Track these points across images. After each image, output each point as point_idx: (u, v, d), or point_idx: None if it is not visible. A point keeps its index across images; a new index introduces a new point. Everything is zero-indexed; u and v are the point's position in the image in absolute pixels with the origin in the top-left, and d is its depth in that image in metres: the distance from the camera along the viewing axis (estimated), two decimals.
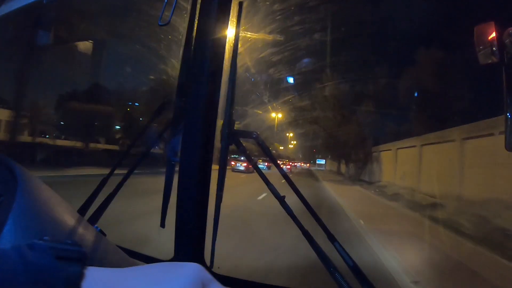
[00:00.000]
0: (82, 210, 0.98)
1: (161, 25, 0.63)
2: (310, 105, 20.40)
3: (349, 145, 20.49)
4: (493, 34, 1.18)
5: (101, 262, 0.64)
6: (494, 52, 1.17)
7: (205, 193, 0.85)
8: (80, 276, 0.34)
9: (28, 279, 0.31)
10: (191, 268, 0.40)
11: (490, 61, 1.19)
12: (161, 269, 0.40)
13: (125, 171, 0.96)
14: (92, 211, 0.98)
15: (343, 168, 26.87)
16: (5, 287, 0.30)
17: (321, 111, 20.53)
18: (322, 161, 46.54)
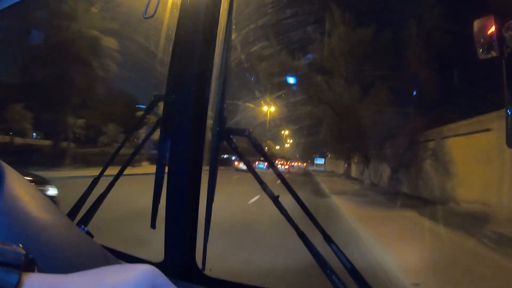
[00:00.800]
0: (72, 212, 0.95)
1: (146, 18, 0.60)
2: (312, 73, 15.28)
3: (374, 129, 11.55)
4: (493, 28, 1.15)
5: (86, 265, 0.61)
6: (494, 46, 1.14)
7: (195, 193, 0.81)
8: (17, 285, 0.30)
9: None
10: (142, 271, 0.37)
11: (489, 55, 1.16)
12: (111, 272, 0.37)
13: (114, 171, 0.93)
14: (82, 212, 0.95)
15: (354, 169, 18.47)
16: None
17: (328, 76, 14.39)
18: (321, 161, 44.86)
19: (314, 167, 45.44)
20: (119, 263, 0.69)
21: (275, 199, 0.79)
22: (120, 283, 0.35)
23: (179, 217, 0.80)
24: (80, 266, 0.47)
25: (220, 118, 0.81)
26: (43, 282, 0.32)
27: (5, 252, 0.32)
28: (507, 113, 1.02)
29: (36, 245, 0.55)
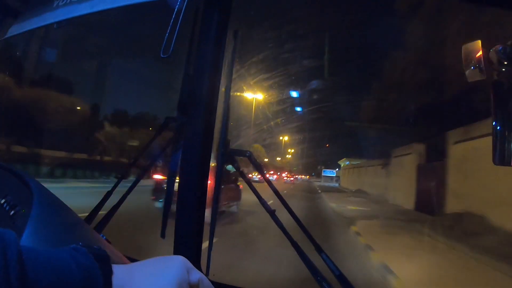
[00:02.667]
0: (88, 220, 1.06)
1: (163, 57, 0.70)
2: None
3: None
4: (480, 52, 1.24)
5: None
6: (482, 69, 1.23)
7: (202, 206, 0.91)
8: (111, 272, 0.44)
9: (80, 276, 0.40)
10: (177, 259, 0.51)
11: (478, 78, 1.24)
12: (157, 261, 0.50)
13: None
14: (97, 220, 1.05)
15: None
16: (66, 281, 0.39)
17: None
18: (331, 173, 40.65)
19: (321, 181, 39.84)
20: None
21: (272, 213, 0.89)
22: (168, 266, 0.49)
23: (187, 227, 0.90)
24: None
25: (224, 141, 0.91)
26: (121, 270, 0.45)
27: (100, 251, 0.45)
28: (493, 134, 1.10)
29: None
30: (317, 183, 38.69)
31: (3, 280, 0.35)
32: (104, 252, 0.46)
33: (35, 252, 0.40)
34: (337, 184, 36.59)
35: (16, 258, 0.37)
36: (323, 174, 41.54)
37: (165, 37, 0.71)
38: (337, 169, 37.58)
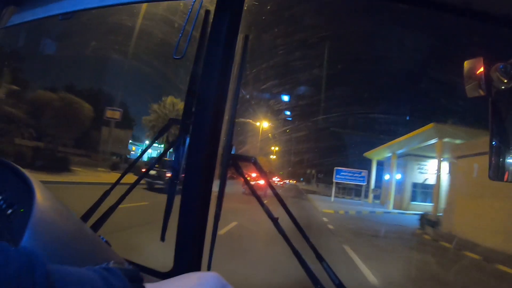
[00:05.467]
0: (84, 218, 1.04)
1: (176, 58, 0.69)
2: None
3: None
4: (481, 69, 1.26)
5: None
6: (482, 86, 1.25)
7: (205, 211, 0.91)
8: None
9: None
10: (211, 276, 0.49)
11: (477, 94, 1.27)
12: (191, 278, 0.49)
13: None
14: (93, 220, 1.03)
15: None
16: None
17: None
18: (358, 178, 19.17)
19: (331, 197, 20.94)
20: None
21: (275, 221, 0.88)
22: (204, 284, 0.47)
23: (189, 231, 0.89)
24: None
25: (229, 147, 0.91)
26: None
27: (133, 272, 0.45)
28: (490, 147, 1.13)
29: (63, 253, 0.63)
30: (312, 196, 23.19)
31: None
32: (136, 273, 0.45)
33: (63, 272, 0.39)
34: (377, 209, 17.36)
35: (45, 279, 0.36)
36: (335, 177, 20.07)
37: (178, 38, 0.70)
38: (364, 171, 19.85)
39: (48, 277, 0.36)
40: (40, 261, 0.37)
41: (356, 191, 24.61)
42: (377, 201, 22.58)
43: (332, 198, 21.45)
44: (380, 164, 23.16)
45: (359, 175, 20.54)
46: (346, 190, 25.86)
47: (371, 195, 22.79)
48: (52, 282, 0.36)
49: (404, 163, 19.52)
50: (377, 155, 22.71)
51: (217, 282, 0.48)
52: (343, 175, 20.44)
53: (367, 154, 23.40)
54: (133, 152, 25.59)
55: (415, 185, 19.25)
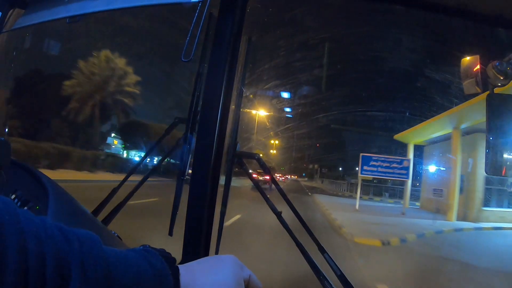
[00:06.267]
0: (93, 214, 1.07)
1: (184, 61, 0.72)
2: None
3: None
4: (478, 67, 1.29)
5: None
6: (479, 83, 1.28)
7: (212, 206, 0.94)
8: (178, 272, 0.48)
9: (153, 275, 0.44)
10: (231, 258, 0.55)
11: (474, 91, 1.30)
12: (213, 259, 0.54)
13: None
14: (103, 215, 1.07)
15: None
16: (142, 280, 0.43)
17: None
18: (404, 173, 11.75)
19: (356, 202, 13.16)
20: None
21: (278, 215, 0.92)
22: (227, 265, 0.53)
23: (197, 226, 0.93)
24: None
25: (234, 144, 0.94)
26: (185, 269, 0.49)
27: (165, 252, 0.50)
28: (487, 143, 1.16)
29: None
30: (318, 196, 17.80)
31: (94, 279, 0.38)
32: (169, 254, 0.49)
33: (115, 252, 0.43)
34: (438, 223, 10.38)
35: (102, 257, 0.40)
36: (361, 171, 12.87)
37: (186, 41, 0.73)
38: (407, 159, 13.14)
39: (104, 255, 0.41)
40: (97, 240, 0.42)
41: (386, 190, 18.21)
42: (417, 204, 16.01)
43: (357, 204, 13.19)
44: (419, 150, 16.04)
45: (399, 166, 12.42)
46: (371, 188, 18.65)
47: (407, 196, 15.09)
48: (108, 260, 0.41)
49: (472, 144, 11.75)
50: (419, 136, 15.06)
51: (236, 261, 0.54)
52: (374, 167, 12.62)
53: (400, 136, 15.45)
54: (114, 146, 23.46)
55: (489, 181, 12.04)
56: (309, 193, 19.86)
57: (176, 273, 0.47)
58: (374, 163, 12.82)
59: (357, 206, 13.18)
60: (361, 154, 13.03)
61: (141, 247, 0.49)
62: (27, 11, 1.33)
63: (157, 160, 1.10)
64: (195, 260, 0.53)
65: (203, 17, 0.75)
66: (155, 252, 0.47)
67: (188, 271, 0.49)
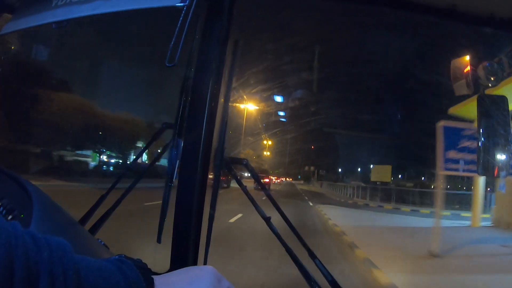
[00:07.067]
0: (81, 222, 1.06)
1: (169, 66, 0.72)
2: None
3: None
4: (468, 68, 1.29)
5: None
6: (469, 84, 1.28)
7: (200, 212, 0.93)
8: (153, 283, 0.47)
9: (127, 286, 0.43)
10: (209, 269, 0.54)
11: (465, 92, 1.30)
12: (190, 271, 0.54)
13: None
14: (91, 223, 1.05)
15: None
16: None
17: None
18: None
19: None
20: None
21: (267, 220, 0.91)
22: (203, 276, 0.52)
23: (185, 233, 0.92)
24: None
25: (221, 149, 0.93)
26: (160, 281, 0.48)
27: (139, 262, 0.50)
28: (478, 145, 1.16)
29: None
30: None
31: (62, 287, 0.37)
32: (145, 265, 0.50)
33: (87, 261, 0.42)
34: None
35: (72, 266, 0.39)
36: (445, 162, 4.93)
37: (170, 46, 0.72)
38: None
39: (75, 264, 0.40)
40: (68, 249, 0.41)
41: (401, 193, 12.71)
42: (487, 218, 9.83)
43: (437, 244, 5.46)
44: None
45: None
46: (378, 192, 13.87)
47: (478, 205, 9.28)
48: (79, 269, 0.40)
49: None
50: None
51: (214, 273, 0.53)
52: (467, 152, 5.64)
53: (457, 110, 8.35)
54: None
55: None
56: (310, 202, 14.61)
57: (151, 285, 0.46)
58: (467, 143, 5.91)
59: (436, 248, 5.49)
60: (441, 125, 6.04)
61: (117, 256, 0.48)
62: (14, 16, 1.32)
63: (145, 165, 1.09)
64: (173, 271, 0.52)
65: (187, 22, 0.74)
66: (130, 263, 0.46)
67: (164, 283, 0.48)
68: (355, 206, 13.94)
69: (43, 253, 0.38)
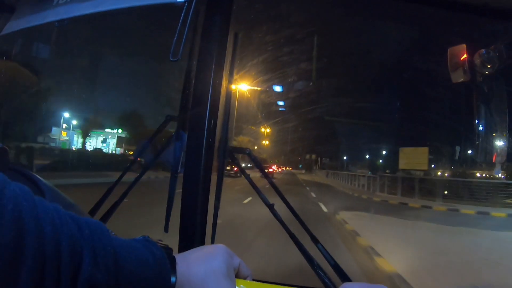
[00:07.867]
0: (90, 214, 1.09)
1: (173, 61, 0.74)
2: None
3: None
4: (465, 55, 1.31)
5: None
6: (466, 72, 1.30)
7: (206, 201, 0.96)
8: (175, 260, 0.51)
9: (155, 263, 0.47)
10: (221, 247, 0.59)
11: (462, 80, 1.32)
12: (205, 249, 0.58)
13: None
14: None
15: None
16: (147, 266, 0.46)
17: None
18: None
19: None
20: None
21: (270, 207, 0.94)
22: (218, 252, 0.56)
23: (192, 221, 0.95)
24: None
25: (225, 139, 0.96)
26: (180, 258, 0.53)
27: (161, 242, 0.53)
28: (476, 133, 1.18)
29: None
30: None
31: (103, 264, 0.41)
32: (166, 245, 0.54)
33: (121, 241, 0.47)
34: None
35: (109, 243, 0.44)
36: None
37: (174, 41, 0.74)
38: None
39: (113, 243, 0.44)
40: (105, 229, 0.45)
41: (424, 184, 11.54)
42: None
43: None
44: None
45: None
46: (398, 184, 11.75)
47: None
48: (114, 247, 0.44)
49: None
50: None
51: (226, 251, 0.58)
52: None
53: None
54: (63, 139, 18.15)
55: None
56: (322, 205, 9.57)
57: (173, 262, 0.51)
58: None
59: None
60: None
61: (141, 237, 0.52)
62: (15, 16, 1.34)
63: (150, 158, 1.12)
64: (189, 250, 0.57)
65: (189, 17, 0.76)
66: (155, 243, 0.51)
67: (183, 260, 0.53)
68: (388, 207, 9.66)
69: (84, 231, 0.42)
